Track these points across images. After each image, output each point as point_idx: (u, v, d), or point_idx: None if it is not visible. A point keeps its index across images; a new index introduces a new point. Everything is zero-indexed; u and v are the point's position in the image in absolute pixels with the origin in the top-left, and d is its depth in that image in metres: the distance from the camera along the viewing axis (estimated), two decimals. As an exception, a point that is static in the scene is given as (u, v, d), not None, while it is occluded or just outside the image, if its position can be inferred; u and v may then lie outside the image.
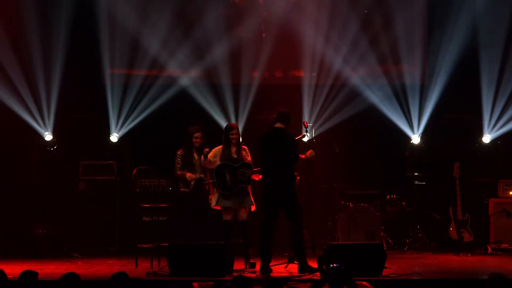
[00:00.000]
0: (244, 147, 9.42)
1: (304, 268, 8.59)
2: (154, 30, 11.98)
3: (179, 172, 9.48)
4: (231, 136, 9.29)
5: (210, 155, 9.24)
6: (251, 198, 9.26)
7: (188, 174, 9.40)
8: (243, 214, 9.24)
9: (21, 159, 12.10)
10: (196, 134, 9.50)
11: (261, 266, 8.67)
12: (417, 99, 12.18)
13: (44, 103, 11.85)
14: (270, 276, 8.49)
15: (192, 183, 9.42)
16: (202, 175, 9.46)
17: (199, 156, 9.45)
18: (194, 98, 12.09)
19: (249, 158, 9.37)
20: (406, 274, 8.45)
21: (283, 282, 7.90)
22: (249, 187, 9.27)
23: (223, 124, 11.82)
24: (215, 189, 9.26)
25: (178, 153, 9.53)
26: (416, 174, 11.86)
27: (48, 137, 11.90)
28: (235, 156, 9.28)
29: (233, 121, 11.93)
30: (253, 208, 9.31)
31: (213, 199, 9.26)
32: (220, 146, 9.35)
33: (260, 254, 8.72)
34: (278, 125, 8.85)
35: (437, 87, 12.10)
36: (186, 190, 9.47)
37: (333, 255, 8.29)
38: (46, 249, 10.92)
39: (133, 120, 12.10)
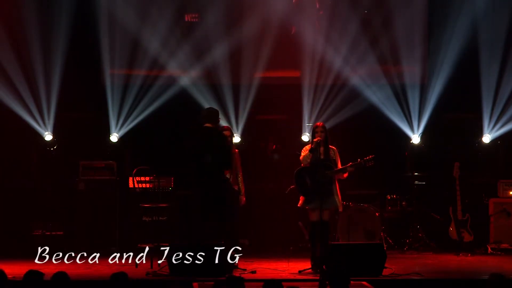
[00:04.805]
0: (333, 147, 9.17)
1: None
2: (154, 30, 11.98)
3: None
4: (316, 135, 9.04)
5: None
6: (337, 198, 9.01)
7: None
8: (325, 215, 8.89)
9: (21, 159, 12.10)
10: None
11: None
12: (417, 99, 12.17)
13: (44, 103, 11.85)
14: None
15: None
16: (229, 176, 9.32)
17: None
18: (194, 98, 12.08)
19: (337, 159, 9.14)
20: (406, 274, 8.46)
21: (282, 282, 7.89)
22: (337, 187, 9.04)
23: (223, 124, 11.81)
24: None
25: None
26: (416, 174, 11.85)
27: (48, 137, 11.90)
28: (322, 156, 9.04)
29: (233, 121, 11.93)
30: (340, 208, 9.15)
31: (301, 199, 9.10)
32: (309, 146, 9.14)
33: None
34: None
35: (437, 87, 12.09)
36: None
37: (333, 255, 8.29)
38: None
39: (133, 120, 12.10)
